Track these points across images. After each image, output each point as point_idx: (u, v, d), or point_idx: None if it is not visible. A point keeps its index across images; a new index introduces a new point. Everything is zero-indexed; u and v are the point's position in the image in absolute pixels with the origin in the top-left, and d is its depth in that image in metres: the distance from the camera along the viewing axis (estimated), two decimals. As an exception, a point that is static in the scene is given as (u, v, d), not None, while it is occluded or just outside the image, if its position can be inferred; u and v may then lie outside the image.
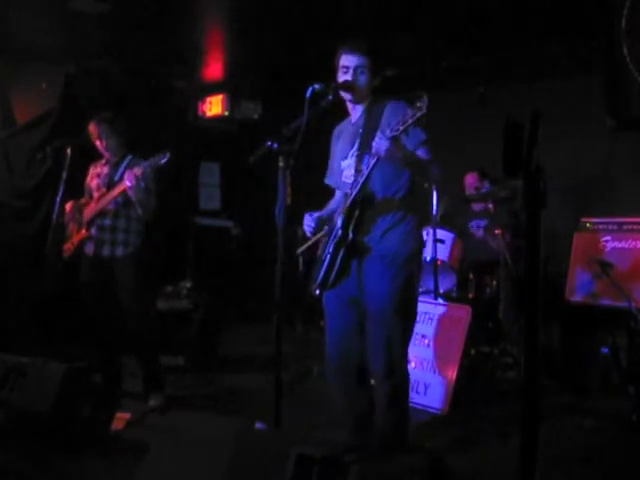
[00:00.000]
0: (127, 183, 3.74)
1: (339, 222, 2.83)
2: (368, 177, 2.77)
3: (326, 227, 3.00)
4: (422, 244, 3.06)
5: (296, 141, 2.69)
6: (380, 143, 2.62)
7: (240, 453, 2.14)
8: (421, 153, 2.80)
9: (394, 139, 2.61)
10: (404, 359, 2.90)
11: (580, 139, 5.24)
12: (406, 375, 2.93)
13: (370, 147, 2.71)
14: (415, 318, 2.97)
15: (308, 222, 2.98)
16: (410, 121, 2.53)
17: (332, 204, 3.15)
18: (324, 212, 3.08)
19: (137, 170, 3.75)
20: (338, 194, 3.14)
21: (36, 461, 2.99)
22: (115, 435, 3.43)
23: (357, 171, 2.83)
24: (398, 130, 2.57)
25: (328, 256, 2.84)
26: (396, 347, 2.81)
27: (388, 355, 2.79)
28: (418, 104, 2.53)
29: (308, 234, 3.02)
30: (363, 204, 2.81)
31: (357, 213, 2.80)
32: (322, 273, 2.85)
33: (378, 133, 2.65)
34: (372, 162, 2.72)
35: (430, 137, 2.80)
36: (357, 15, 4.68)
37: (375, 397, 2.90)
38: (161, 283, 5.49)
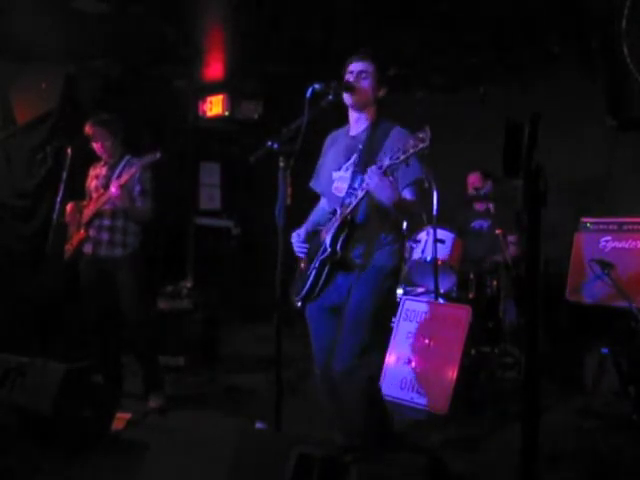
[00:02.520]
0: (112, 190, 3.76)
1: (328, 239, 2.82)
2: (359, 202, 2.75)
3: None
4: (402, 262, 3.14)
5: (296, 141, 2.69)
6: (372, 177, 2.60)
7: (240, 453, 2.13)
8: (407, 193, 2.79)
9: (386, 174, 2.59)
10: (371, 365, 2.87)
11: (580, 139, 5.24)
12: (372, 385, 2.89)
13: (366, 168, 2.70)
14: (387, 331, 3.00)
15: (298, 244, 2.98)
16: (412, 151, 2.49)
17: (315, 214, 3.15)
18: (309, 225, 3.08)
19: (123, 178, 3.78)
20: (323, 202, 3.14)
21: (36, 461, 2.99)
22: (115, 435, 3.44)
23: (350, 188, 2.82)
24: (398, 159, 2.53)
25: (314, 271, 2.86)
26: (364, 349, 2.78)
27: (353, 355, 2.76)
28: (421, 135, 2.48)
29: (302, 255, 3.00)
30: (353, 224, 2.81)
31: (347, 232, 2.81)
32: (307, 287, 2.89)
33: (372, 167, 2.62)
34: (360, 195, 2.72)
35: (422, 176, 2.86)
36: (357, 15, 4.68)
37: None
38: (161, 283, 5.49)
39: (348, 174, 2.87)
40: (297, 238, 3.00)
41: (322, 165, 3.12)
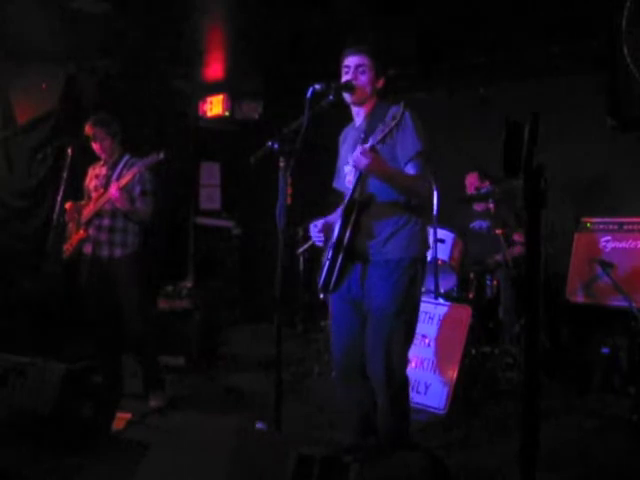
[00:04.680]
0: (112, 192, 3.76)
1: (336, 229, 2.82)
2: (364, 184, 2.76)
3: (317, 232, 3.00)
4: (427, 247, 3.02)
5: (297, 141, 2.68)
6: (359, 157, 2.62)
7: (240, 453, 2.13)
8: (410, 168, 2.77)
9: (375, 151, 2.62)
10: (403, 364, 2.86)
11: (580, 139, 5.23)
12: (405, 380, 2.90)
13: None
14: (416, 323, 2.93)
15: (315, 233, 2.96)
16: (387, 130, 2.58)
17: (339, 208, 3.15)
18: (331, 217, 3.05)
19: (123, 179, 3.78)
20: None
21: (36, 461, 2.99)
22: (115, 435, 3.44)
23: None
24: (376, 140, 2.60)
25: (327, 262, 2.83)
26: (396, 352, 2.78)
27: (387, 360, 2.76)
28: (392, 114, 2.57)
29: (320, 244, 2.98)
30: (361, 209, 2.79)
31: (353, 218, 2.77)
32: (322, 278, 2.85)
33: (358, 146, 2.66)
34: (356, 175, 2.74)
35: (428, 147, 2.77)
36: (357, 14, 4.68)
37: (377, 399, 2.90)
38: (161, 283, 5.49)
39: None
40: (314, 228, 2.97)
41: (339, 163, 3.12)
